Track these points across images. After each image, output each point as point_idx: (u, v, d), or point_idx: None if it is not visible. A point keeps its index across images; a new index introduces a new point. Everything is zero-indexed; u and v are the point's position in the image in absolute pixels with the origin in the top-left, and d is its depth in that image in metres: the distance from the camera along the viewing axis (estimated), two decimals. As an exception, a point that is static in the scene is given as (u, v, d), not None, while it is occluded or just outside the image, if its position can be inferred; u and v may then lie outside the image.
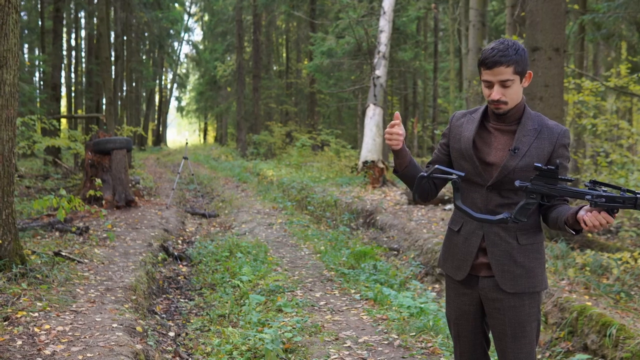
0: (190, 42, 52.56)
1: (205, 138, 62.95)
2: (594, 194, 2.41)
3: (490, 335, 2.97)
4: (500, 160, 2.75)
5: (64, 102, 31.91)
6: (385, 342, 4.97)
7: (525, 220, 2.60)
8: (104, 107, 23.83)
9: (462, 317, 2.92)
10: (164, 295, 7.01)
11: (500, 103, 2.71)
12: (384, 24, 17.14)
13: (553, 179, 2.50)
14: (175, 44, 48.01)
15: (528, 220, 2.75)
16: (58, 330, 4.69)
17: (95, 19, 27.47)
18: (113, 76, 26.67)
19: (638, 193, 2.38)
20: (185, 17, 48.33)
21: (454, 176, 2.67)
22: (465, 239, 2.84)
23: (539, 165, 2.47)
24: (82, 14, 32.46)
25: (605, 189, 2.46)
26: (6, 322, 4.78)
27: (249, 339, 4.97)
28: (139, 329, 5.04)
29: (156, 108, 51.23)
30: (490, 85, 2.70)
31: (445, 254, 2.96)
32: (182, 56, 54.18)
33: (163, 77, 51.30)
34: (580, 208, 2.53)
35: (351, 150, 23.15)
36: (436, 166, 2.74)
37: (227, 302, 6.29)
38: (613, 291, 5.97)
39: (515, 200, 2.73)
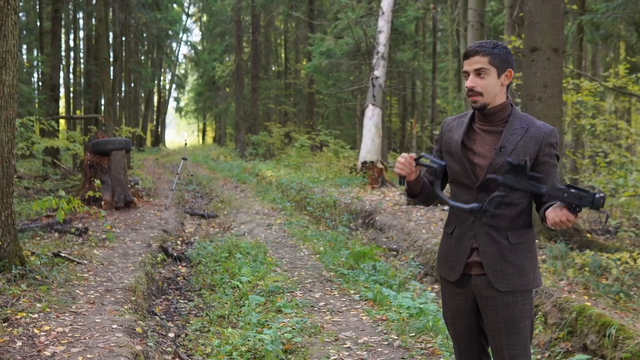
0: (188, 43, 52.64)
1: (204, 138, 62.96)
2: (552, 189, 2.50)
3: None
4: (487, 160, 2.81)
5: (62, 103, 31.86)
6: (385, 343, 4.98)
7: (493, 210, 2.69)
8: (102, 107, 23.87)
9: (458, 317, 2.97)
10: (164, 296, 7.01)
11: (475, 94, 2.79)
12: (383, 24, 17.15)
13: (523, 175, 2.58)
14: (174, 44, 48.06)
15: (518, 220, 2.82)
16: (58, 332, 4.69)
17: (93, 19, 27.47)
18: (112, 77, 26.67)
19: (600, 193, 2.45)
20: (184, 17, 48.34)
21: (435, 165, 2.87)
22: (458, 240, 2.91)
23: (510, 160, 2.56)
24: (81, 14, 32.41)
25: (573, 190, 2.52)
26: (6, 324, 4.78)
27: (248, 340, 4.98)
28: (138, 330, 5.04)
29: (155, 109, 51.22)
30: (467, 75, 2.82)
31: (440, 256, 3.03)
32: (180, 57, 54.15)
33: (162, 78, 51.28)
34: (550, 205, 2.62)
35: (350, 151, 23.16)
36: (422, 154, 2.88)
37: (226, 303, 6.30)
38: (612, 291, 5.98)
39: (504, 200, 2.77)
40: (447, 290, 3.00)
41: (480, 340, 3.00)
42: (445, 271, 2.97)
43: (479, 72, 2.77)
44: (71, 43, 34.24)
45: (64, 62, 30.48)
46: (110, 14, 29.13)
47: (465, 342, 3.00)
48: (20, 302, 5.31)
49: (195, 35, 79.79)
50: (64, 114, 30.40)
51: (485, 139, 2.85)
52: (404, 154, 2.86)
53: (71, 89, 32.67)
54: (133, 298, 6.00)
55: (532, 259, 2.85)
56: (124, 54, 34.01)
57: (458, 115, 3.03)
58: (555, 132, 2.82)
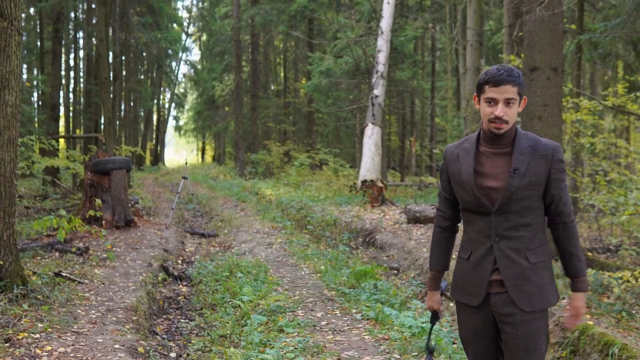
0: (188, 62, 52.69)
1: (203, 157, 63.03)
2: None
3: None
4: (501, 183, 2.81)
5: (62, 122, 31.88)
6: (388, 363, 4.96)
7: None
8: (102, 127, 23.87)
9: (478, 335, 2.97)
10: (165, 316, 6.99)
11: (502, 122, 2.78)
12: (382, 43, 17.25)
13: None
14: (174, 63, 48.16)
15: (535, 239, 2.84)
16: (60, 352, 4.67)
17: (94, 39, 27.55)
18: (112, 96, 26.70)
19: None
20: (184, 37, 48.58)
21: (444, 290, 3.16)
22: (476, 265, 2.91)
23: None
24: (81, 34, 32.55)
25: None
26: (7, 344, 4.77)
27: (251, 360, 4.96)
28: (140, 349, 5.02)
29: (154, 127, 51.31)
30: (494, 103, 2.78)
31: (456, 281, 3.03)
32: (180, 76, 54.24)
33: (161, 97, 51.41)
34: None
35: (350, 170, 23.19)
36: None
37: (228, 323, 6.28)
38: (614, 310, 5.97)
39: (521, 222, 2.81)
40: (464, 311, 3.00)
41: (498, 359, 3.01)
42: (464, 296, 2.97)
43: (508, 102, 2.77)
44: (71, 62, 34.38)
45: (64, 82, 30.59)
46: (111, 33, 29.25)
47: None
48: (22, 322, 5.29)
49: (195, 55, 79.99)
50: (64, 133, 30.43)
51: (496, 162, 2.85)
52: (432, 304, 3.16)
53: (71, 108, 32.75)
54: (134, 318, 5.99)
55: (551, 276, 2.90)
56: (124, 73, 34.11)
57: (458, 142, 3.03)
58: (560, 148, 2.86)
